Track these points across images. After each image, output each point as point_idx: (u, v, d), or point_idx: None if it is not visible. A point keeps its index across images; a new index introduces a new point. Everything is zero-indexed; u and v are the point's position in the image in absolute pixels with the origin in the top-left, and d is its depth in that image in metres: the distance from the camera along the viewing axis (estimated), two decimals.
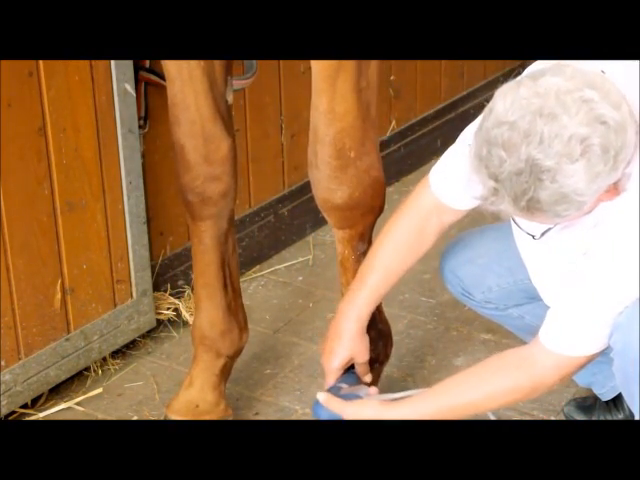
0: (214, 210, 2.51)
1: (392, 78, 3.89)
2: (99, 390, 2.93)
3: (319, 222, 3.67)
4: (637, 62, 2.05)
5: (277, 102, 3.45)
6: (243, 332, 2.71)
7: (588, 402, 2.76)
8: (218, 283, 2.60)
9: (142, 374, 3.02)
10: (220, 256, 2.58)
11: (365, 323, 2.39)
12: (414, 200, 2.38)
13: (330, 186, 2.40)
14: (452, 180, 2.29)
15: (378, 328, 2.59)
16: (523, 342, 2.65)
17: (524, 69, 2.10)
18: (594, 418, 2.72)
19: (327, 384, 2.38)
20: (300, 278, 3.48)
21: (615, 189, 1.97)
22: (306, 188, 3.56)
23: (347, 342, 2.36)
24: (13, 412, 2.80)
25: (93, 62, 2.71)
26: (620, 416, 2.69)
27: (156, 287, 3.14)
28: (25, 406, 2.83)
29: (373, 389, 2.34)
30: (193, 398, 2.66)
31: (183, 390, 2.68)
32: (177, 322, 3.20)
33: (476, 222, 3.57)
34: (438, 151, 2.46)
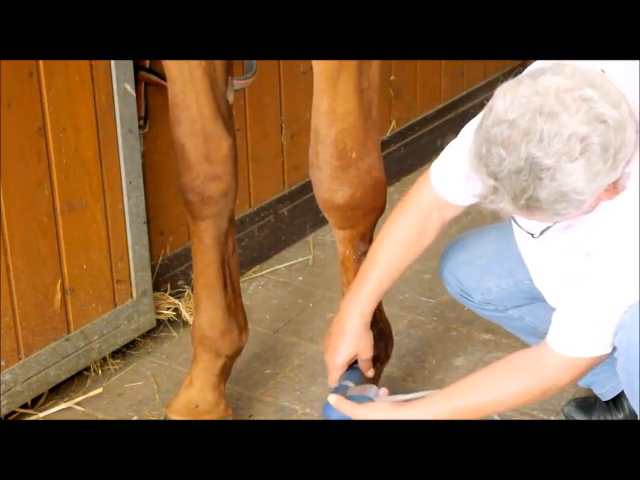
0: (214, 210, 2.51)
1: (392, 78, 3.89)
2: (99, 390, 2.93)
3: (319, 222, 3.67)
4: (637, 62, 2.05)
5: (277, 102, 3.45)
6: (243, 332, 2.71)
7: (588, 402, 2.76)
8: (218, 283, 2.60)
9: (142, 374, 3.02)
10: (220, 256, 2.58)
11: (368, 319, 2.39)
12: (415, 195, 2.38)
13: (331, 186, 2.40)
14: (452, 176, 2.29)
15: (379, 328, 2.59)
16: (523, 342, 2.66)
17: (524, 69, 2.10)
18: (594, 418, 2.71)
19: (330, 381, 2.37)
20: (300, 278, 3.48)
21: (614, 188, 1.97)
22: (306, 188, 3.57)
23: (351, 339, 2.36)
24: (13, 412, 2.80)
25: (93, 62, 2.70)
26: (620, 416, 2.69)
27: (156, 287, 3.14)
28: (25, 406, 2.83)
29: (383, 390, 2.33)
30: (193, 398, 2.66)
31: (183, 390, 2.68)
32: (177, 322, 3.20)
33: (476, 222, 3.58)
34: (438, 151, 2.46)
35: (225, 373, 2.70)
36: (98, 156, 2.79)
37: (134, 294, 3.00)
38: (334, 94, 2.30)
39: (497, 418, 2.43)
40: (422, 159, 4.01)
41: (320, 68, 2.29)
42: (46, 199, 2.70)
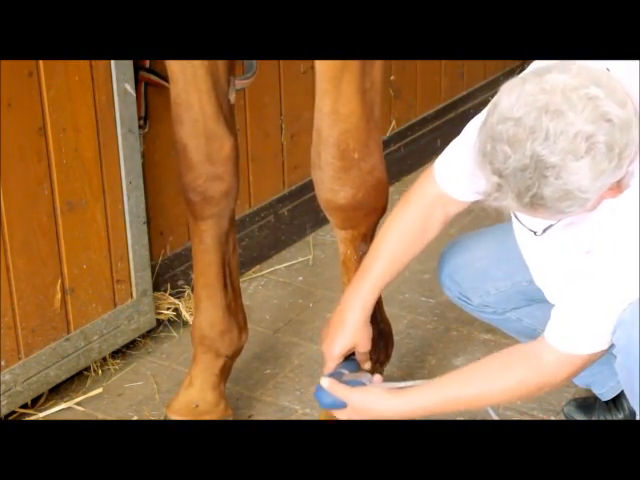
0: (216, 210, 2.51)
1: (392, 78, 3.89)
2: (99, 390, 2.93)
3: (319, 222, 3.67)
4: (637, 62, 2.05)
5: (277, 102, 3.45)
6: (243, 332, 2.71)
7: (588, 402, 2.76)
8: (218, 283, 2.60)
9: (142, 374, 3.02)
10: (221, 256, 2.58)
11: (369, 313, 2.38)
12: (418, 190, 2.38)
13: (333, 187, 2.39)
14: (456, 173, 2.29)
15: (379, 328, 2.59)
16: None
17: (524, 69, 2.09)
18: (594, 418, 2.71)
19: (326, 370, 2.37)
20: (300, 278, 3.48)
21: (618, 187, 1.97)
22: (306, 188, 3.57)
23: (350, 330, 2.36)
24: (13, 412, 2.80)
25: (93, 62, 2.71)
26: (620, 416, 2.69)
27: (156, 287, 3.14)
28: (25, 406, 2.83)
29: (377, 377, 2.33)
30: (193, 398, 2.66)
31: (183, 390, 2.68)
32: (177, 322, 3.20)
33: (476, 223, 3.58)
34: (438, 151, 2.45)
35: (225, 373, 2.70)
36: (98, 156, 2.79)
37: (134, 294, 3.00)
38: (337, 95, 2.29)
39: (496, 418, 2.43)
40: (422, 159, 4.02)
41: (323, 68, 2.29)
42: (46, 199, 2.70)
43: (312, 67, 3.43)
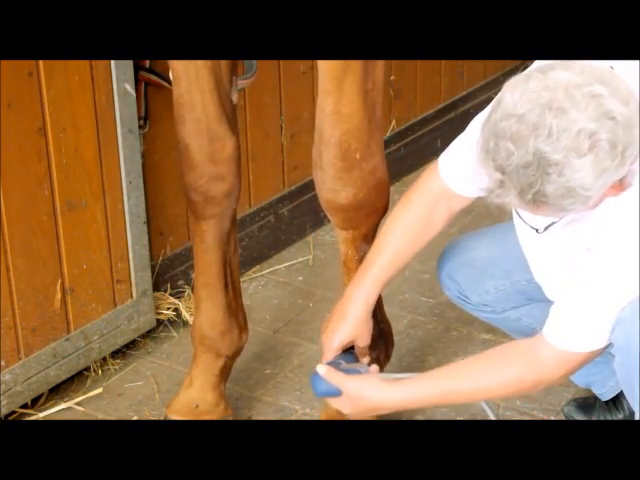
0: (217, 210, 2.51)
1: (392, 78, 3.89)
2: (99, 390, 2.93)
3: (319, 222, 3.67)
4: (637, 62, 2.05)
5: (277, 102, 3.45)
6: (243, 332, 2.71)
7: (588, 402, 2.76)
8: (219, 283, 2.60)
9: (142, 374, 3.02)
10: (222, 256, 2.58)
11: (371, 307, 2.38)
12: (423, 185, 2.38)
13: (335, 187, 2.39)
14: (460, 169, 2.29)
15: (379, 328, 2.59)
16: None
17: (524, 69, 2.09)
18: (594, 418, 2.71)
19: (324, 360, 2.36)
20: (300, 278, 3.48)
21: (621, 185, 1.97)
22: (306, 188, 3.57)
23: (351, 324, 2.35)
24: (13, 412, 2.80)
25: (93, 62, 2.71)
26: (620, 416, 2.69)
27: (156, 287, 3.14)
28: (25, 406, 2.83)
29: (374, 367, 2.32)
30: (193, 398, 2.66)
31: (183, 390, 2.68)
32: (177, 322, 3.20)
33: (476, 223, 3.58)
34: (438, 151, 2.46)
35: (225, 373, 2.70)
36: (98, 156, 2.79)
37: (134, 294, 3.00)
38: (339, 95, 2.29)
39: (493, 418, 2.43)
40: (422, 159, 4.02)
41: (326, 69, 2.29)
42: (46, 199, 2.70)
43: (312, 67, 3.46)
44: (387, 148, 3.88)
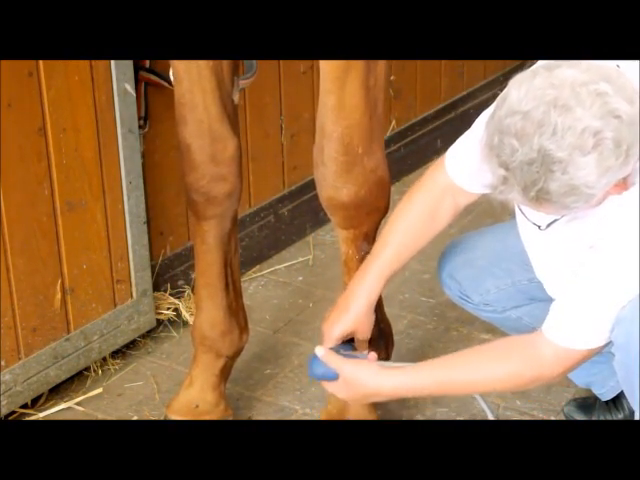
0: (219, 210, 2.51)
1: (392, 78, 3.89)
2: (99, 390, 2.93)
3: (319, 222, 3.67)
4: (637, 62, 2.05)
5: (277, 102, 3.45)
6: (243, 332, 2.71)
7: (588, 402, 2.76)
8: (220, 283, 2.60)
9: (142, 374, 3.02)
10: (223, 256, 2.58)
11: (374, 301, 2.38)
12: (429, 180, 2.38)
13: (336, 184, 2.39)
14: (466, 164, 2.29)
15: (379, 328, 2.59)
16: None
17: (524, 69, 2.09)
18: (594, 418, 2.71)
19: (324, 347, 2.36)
20: (300, 278, 3.48)
21: (624, 183, 1.97)
22: (306, 188, 3.57)
23: (353, 316, 2.35)
24: (13, 412, 2.80)
25: (93, 62, 2.71)
26: (620, 416, 2.69)
27: (156, 287, 3.14)
28: (25, 406, 2.83)
29: (372, 355, 2.32)
30: (193, 398, 2.66)
31: (183, 390, 2.68)
32: (177, 322, 3.20)
33: (476, 223, 3.59)
34: (438, 151, 2.46)
35: (225, 373, 2.70)
36: (98, 156, 2.79)
37: (134, 294, 3.00)
38: (342, 91, 2.29)
39: (492, 418, 2.43)
40: (422, 159, 4.02)
41: (327, 69, 2.29)
42: (46, 199, 2.70)
43: (312, 67, 3.46)
44: (387, 148, 3.88)
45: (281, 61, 3.39)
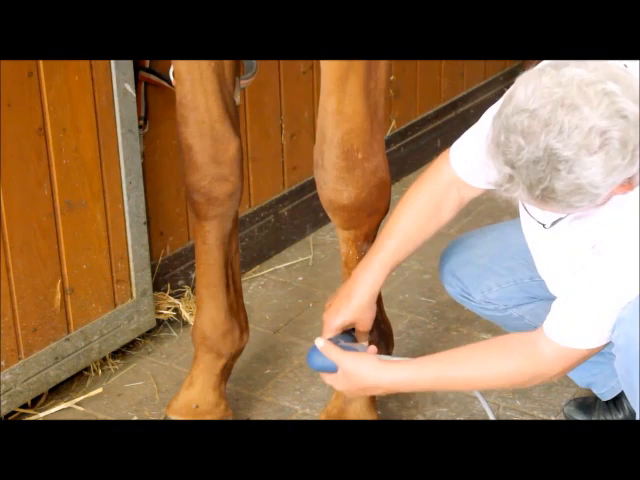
0: (220, 210, 2.51)
1: (392, 78, 3.88)
2: (99, 390, 2.93)
3: (319, 222, 3.67)
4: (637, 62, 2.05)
5: (277, 102, 3.45)
6: (244, 333, 2.71)
7: (588, 402, 2.76)
8: (221, 283, 2.60)
9: (142, 374, 3.02)
10: (224, 256, 2.58)
11: (376, 292, 2.37)
12: (434, 172, 2.38)
13: (337, 187, 2.39)
14: (471, 160, 2.28)
15: (379, 328, 2.59)
16: None
17: (524, 69, 2.09)
18: (594, 418, 2.71)
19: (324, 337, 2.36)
20: (300, 278, 3.48)
21: (629, 184, 1.97)
22: (306, 188, 3.57)
23: (354, 306, 2.35)
24: (13, 412, 2.80)
25: (93, 62, 2.71)
26: (620, 416, 2.69)
27: (156, 287, 3.14)
28: (25, 406, 2.83)
29: (372, 348, 2.32)
30: (193, 398, 2.66)
31: (183, 390, 2.68)
32: (177, 322, 3.20)
33: (476, 223, 3.59)
34: (438, 151, 2.46)
35: (226, 373, 2.70)
36: (98, 156, 2.79)
37: (134, 294, 3.00)
38: (342, 94, 2.29)
39: (492, 418, 2.43)
40: (422, 159, 4.02)
41: (328, 69, 2.28)
42: (46, 199, 2.70)
43: (312, 67, 3.46)
44: (387, 148, 3.88)
45: (281, 61, 3.39)
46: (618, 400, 2.68)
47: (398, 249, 2.36)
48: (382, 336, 2.63)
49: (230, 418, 2.70)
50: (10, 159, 2.58)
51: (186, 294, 3.24)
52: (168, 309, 3.17)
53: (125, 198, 2.88)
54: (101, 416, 2.85)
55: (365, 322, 2.38)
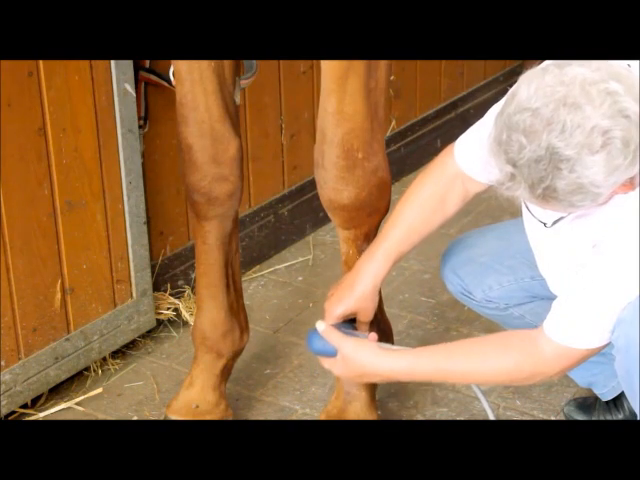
0: (220, 210, 2.51)
1: (392, 78, 3.88)
2: (99, 390, 2.93)
3: (319, 222, 3.67)
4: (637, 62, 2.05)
5: (277, 102, 3.45)
6: (244, 333, 2.71)
7: (588, 402, 2.76)
8: (221, 283, 2.60)
9: (142, 374, 3.02)
10: (224, 256, 2.58)
11: (379, 283, 2.37)
12: (439, 164, 2.38)
13: (337, 186, 2.39)
14: (474, 157, 2.28)
15: (380, 328, 2.59)
16: None
17: (524, 69, 2.09)
18: (594, 418, 2.71)
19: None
20: (300, 278, 3.48)
21: (631, 183, 1.97)
22: (306, 188, 3.57)
23: (357, 296, 2.35)
24: (13, 412, 2.80)
25: (93, 62, 2.71)
26: (620, 416, 2.69)
27: (156, 287, 3.14)
28: (25, 406, 2.83)
29: (372, 335, 2.32)
30: (193, 398, 2.66)
31: (183, 390, 2.68)
32: (177, 322, 3.20)
33: (476, 223, 3.59)
34: (438, 151, 2.46)
35: (226, 373, 2.70)
36: (98, 156, 2.79)
37: (134, 294, 3.00)
38: (342, 94, 2.29)
39: (493, 418, 2.43)
40: (422, 159, 4.02)
41: (328, 68, 2.28)
42: (46, 199, 2.70)
43: (312, 67, 3.46)
44: (387, 148, 3.85)
45: (281, 61, 3.39)
46: (618, 400, 2.68)
47: (402, 239, 2.36)
48: (382, 336, 2.63)
49: (230, 418, 2.70)
50: (10, 159, 2.58)
51: (186, 294, 3.24)
52: (168, 309, 3.17)
53: (125, 198, 2.88)
54: (101, 416, 2.85)
55: (367, 312, 2.38)
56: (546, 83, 1.90)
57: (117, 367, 3.03)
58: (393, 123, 3.99)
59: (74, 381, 2.95)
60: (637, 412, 2.18)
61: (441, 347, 2.24)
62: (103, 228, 2.85)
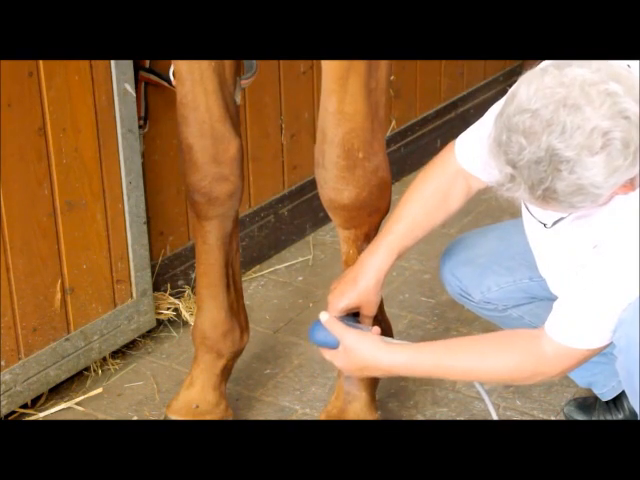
0: (220, 210, 2.51)
1: (392, 78, 3.88)
2: (99, 390, 2.93)
3: (319, 222, 3.67)
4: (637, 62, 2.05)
5: (277, 102, 3.45)
6: (244, 333, 2.71)
7: (588, 402, 2.76)
8: (221, 283, 2.60)
9: (142, 374, 3.02)
10: (224, 256, 2.58)
11: (382, 277, 2.37)
12: (442, 160, 2.38)
13: (337, 186, 2.39)
14: (475, 156, 2.28)
15: (380, 328, 2.59)
16: None
17: (524, 69, 2.09)
18: (594, 418, 2.71)
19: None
20: (300, 278, 3.48)
21: (631, 184, 1.97)
22: (306, 188, 3.57)
23: (360, 290, 2.35)
24: (13, 412, 2.80)
25: (93, 62, 2.71)
26: (620, 416, 2.69)
27: (156, 287, 3.14)
28: (25, 406, 2.83)
29: (375, 329, 2.31)
30: (193, 398, 2.66)
31: (183, 390, 2.68)
32: (177, 322, 3.20)
33: (476, 223, 3.59)
34: (438, 151, 2.46)
35: (226, 373, 2.70)
36: (98, 156, 2.79)
37: (134, 294, 3.00)
38: (343, 94, 2.29)
39: (495, 418, 2.43)
40: (422, 159, 4.01)
41: (329, 68, 2.28)
42: (46, 199, 2.70)
43: (312, 67, 3.46)
44: (387, 148, 3.85)
45: (281, 61, 3.39)
46: (618, 400, 2.68)
47: (406, 234, 2.36)
48: (382, 336, 2.63)
49: (230, 418, 2.70)
50: (10, 159, 2.58)
51: (186, 294, 3.24)
52: (168, 309, 3.17)
53: (125, 198, 2.88)
54: (101, 416, 2.85)
55: (370, 306, 2.38)
56: (546, 84, 1.90)
57: (117, 367, 3.03)
58: (393, 123, 3.99)
59: (74, 381, 2.95)
60: (638, 411, 2.18)
61: (443, 343, 2.24)
62: (103, 228, 2.85)
